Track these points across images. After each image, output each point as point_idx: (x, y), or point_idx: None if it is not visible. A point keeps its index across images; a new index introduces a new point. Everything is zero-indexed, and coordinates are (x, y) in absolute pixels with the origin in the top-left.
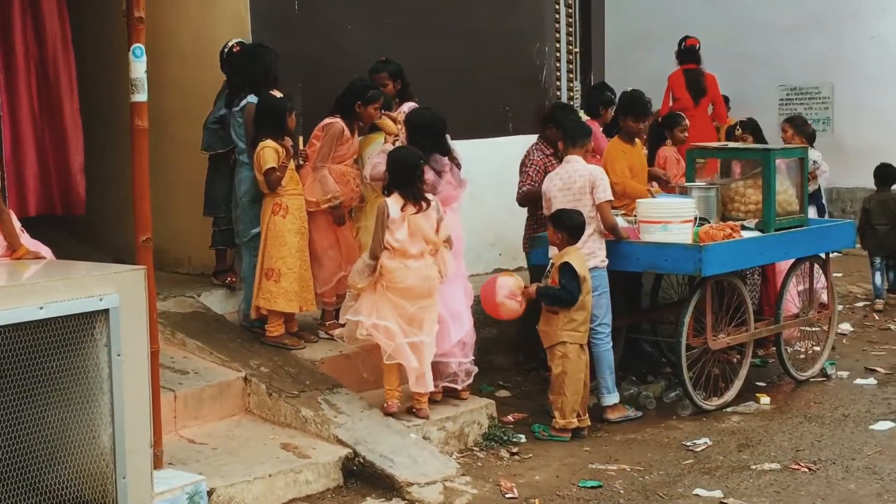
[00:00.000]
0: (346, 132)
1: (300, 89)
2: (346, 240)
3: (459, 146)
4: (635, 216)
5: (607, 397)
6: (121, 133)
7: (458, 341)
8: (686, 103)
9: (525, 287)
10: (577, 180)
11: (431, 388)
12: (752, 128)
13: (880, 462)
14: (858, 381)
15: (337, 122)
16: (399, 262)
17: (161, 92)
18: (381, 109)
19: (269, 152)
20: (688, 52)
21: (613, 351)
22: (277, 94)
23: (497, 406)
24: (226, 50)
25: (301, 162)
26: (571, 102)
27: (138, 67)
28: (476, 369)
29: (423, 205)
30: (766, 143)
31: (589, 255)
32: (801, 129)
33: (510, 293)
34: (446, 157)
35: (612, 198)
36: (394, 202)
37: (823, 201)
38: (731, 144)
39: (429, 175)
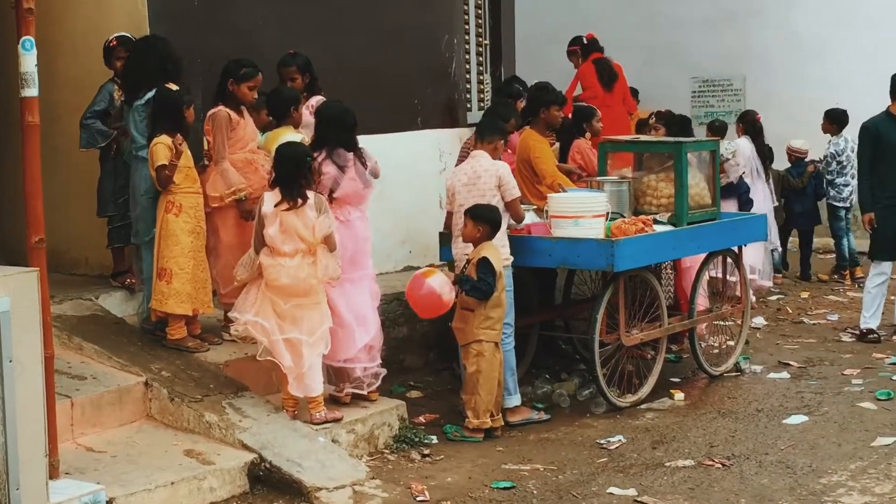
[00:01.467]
0: (234, 116)
1: (200, 83)
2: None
3: (368, 141)
4: (546, 211)
5: (508, 399)
6: (11, 129)
7: (363, 345)
8: (597, 91)
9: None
10: (482, 176)
11: (316, 393)
12: (666, 120)
13: (793, 456)
14: (772, 375)
15: (220, 109)
16: (273, 260)
17: (54, 86)
18: (293, 106)
19: (160, 149)
20: (592, 44)
21: (526, 349)
22: (174, 87)
23: (408, 407)
24: (108, 44)
25: (206, 163)
26: (481, 95)
27: (28, 61)
28: (384, 371)
29: (298, 202)
30: (691, 135)
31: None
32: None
33: (450, 288)
34: (351, 153)
35: (519, 193)
36: (271, 197)
37: (750, 195)
38: (643, 137)
39: (329, 169)
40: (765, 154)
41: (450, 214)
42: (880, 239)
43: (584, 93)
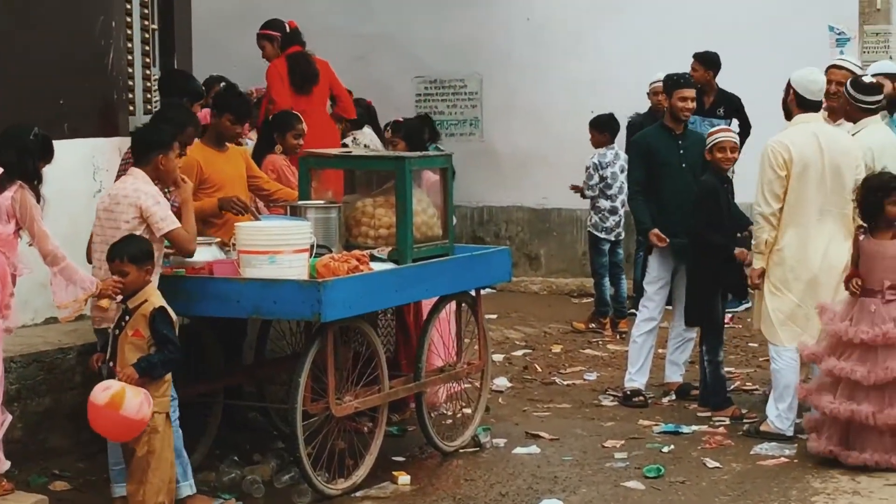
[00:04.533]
0: None
1: None
2: None
3: None
4: (233, 244)
5: (179, 488)
6: None
7: None
8: (281, 93)
9: (121, 373)
10: (120, 202)
11: None
12: (407, 131)
13: None
14: (518, 449)
15: None
16: None
17: None
18: None
19: None
20: (294, 35)
21: (208, 423)
22: None
23: None
24: None
25: None
26: (149, 95)
27: None
28: (9, 417)
29: None
30: (436, 142)
31: None
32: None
33: (145, 397)
34: None
35: (178, 224)
36: None
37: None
38: (356, 151)
39: None
40: None
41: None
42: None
43: (276, 100)
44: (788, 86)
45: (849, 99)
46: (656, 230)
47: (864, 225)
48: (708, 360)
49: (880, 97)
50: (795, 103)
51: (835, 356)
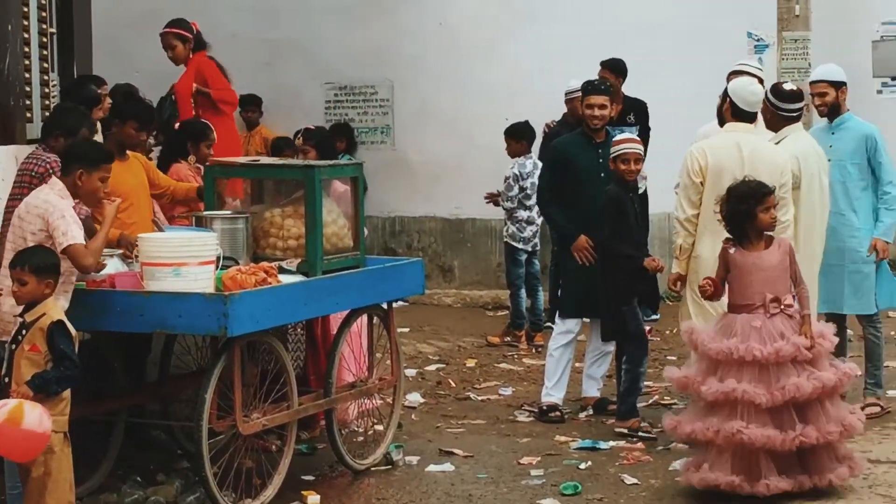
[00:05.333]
0: None
1: None
2: None
3: None
4: (136, 256)
5: None
6: None
7: None
8: (230, 88)
9: (14, 391)
10: (31, 212)
11: None
12: (319, 139)
13: None
14: (431, 467)
15: None
16: None
17: None
18: None
19: None
20: (200, 38)
21: (110, 442)
22: None
23: None
24: None
25: None
26: (47, 102)
27: None
28: None
29: None
30: (353, 152)
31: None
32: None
33: (42, 410)
34: None
35: (79, 239)
36: None
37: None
38: (263, 160)
39: None
40: None
41: None
42: (568, 291)
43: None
44: (725, 94)
45: (769, 107)
46: (583, 237)
47: (732, 237)
48: (626, 370)
49: (801, 104)
50: (730, 112)
51: (715, 378)
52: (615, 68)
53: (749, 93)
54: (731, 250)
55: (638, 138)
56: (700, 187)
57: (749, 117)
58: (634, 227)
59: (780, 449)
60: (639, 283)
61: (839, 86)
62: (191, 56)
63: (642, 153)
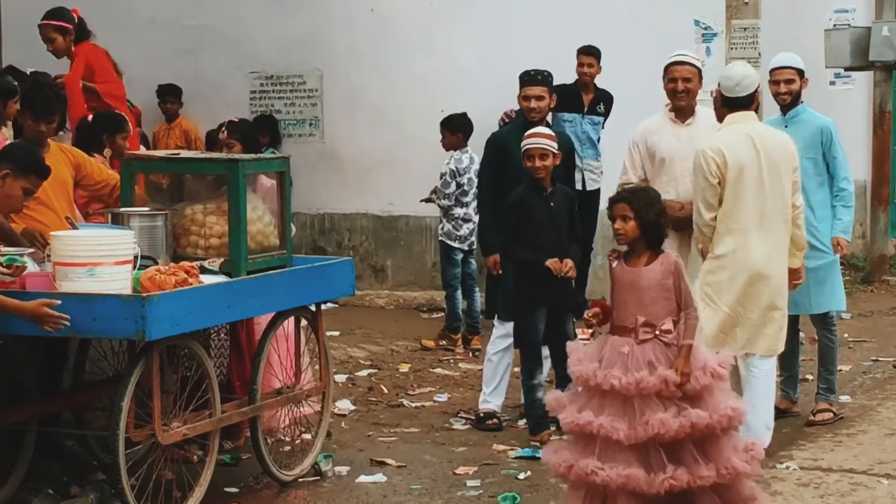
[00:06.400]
0: None
1: None
2: None
3: None
4: (48, 255)
5: None
6: None
7: None
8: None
9: None
10: None
11: None
12: (244, 132)
13: None
14: (362, 478)
15: None
16: None
17: None
18: None
19: None
20: (83, 26)
21: (20, 452)
22: None
23: None
24: None
25: None
26: None
27: None
28: None
29: None
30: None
31: None
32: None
33: None
34: None
35: None
36: None
37: None
38: (184, 154)
39: None
40: None
41: None
42: (506, 292)
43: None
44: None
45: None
46: (495, 257)
47: (618, 249)
48: (522, 381)
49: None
50: (722, 103)
51: (575, 406)
52: (599, 54)
53: (725, 78)
54: (614, 263)
55: (550, 132)
56: (717, 188)
57: (741, 104)
58: (544, 229)
59: (648, 491)
60: (541, 288)
61: (802, 74)
62: (72, 48)
63: (552, 148)
